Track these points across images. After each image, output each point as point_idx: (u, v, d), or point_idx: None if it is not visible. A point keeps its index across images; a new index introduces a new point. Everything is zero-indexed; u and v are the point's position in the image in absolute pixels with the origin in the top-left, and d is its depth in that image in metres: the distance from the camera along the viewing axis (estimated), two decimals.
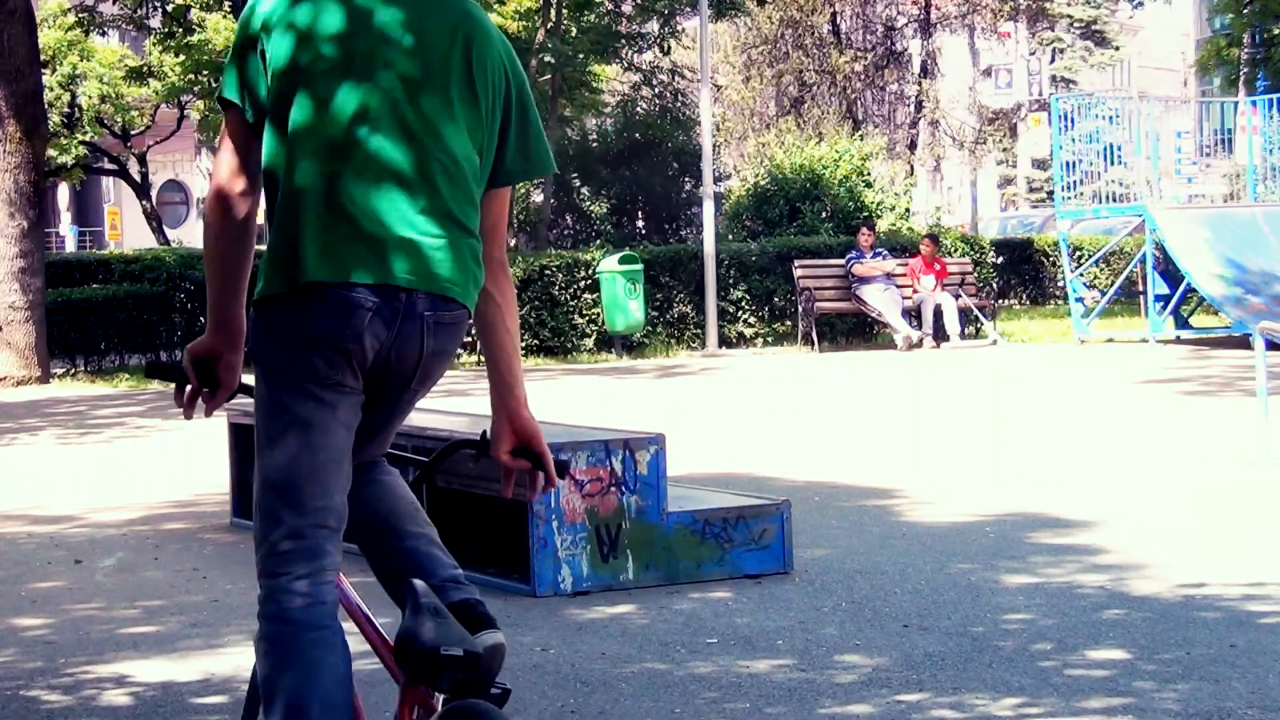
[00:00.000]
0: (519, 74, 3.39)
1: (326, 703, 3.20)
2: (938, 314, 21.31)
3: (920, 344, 20.72)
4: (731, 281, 21.57)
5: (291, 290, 3.15)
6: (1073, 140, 23.27)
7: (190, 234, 38.39)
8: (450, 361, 3.40)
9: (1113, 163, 23.15)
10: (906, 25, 40.76)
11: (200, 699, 5.28)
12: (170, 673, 5.59)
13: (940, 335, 21.20)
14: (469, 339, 20.11)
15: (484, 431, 3.48)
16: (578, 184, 28.04)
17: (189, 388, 3.40)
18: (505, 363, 3.40)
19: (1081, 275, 22.90)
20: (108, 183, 47.15)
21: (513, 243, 25.79)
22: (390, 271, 3.15)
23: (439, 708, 3.33)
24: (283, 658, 3.21)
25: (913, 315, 21.21)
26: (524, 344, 20.33)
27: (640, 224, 27.94)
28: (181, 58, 30.07)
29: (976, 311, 21.75)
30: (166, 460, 11.41)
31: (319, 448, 3.21)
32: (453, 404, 13.94)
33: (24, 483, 10.46)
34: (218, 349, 3.35)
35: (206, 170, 37.76)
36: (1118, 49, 59.47)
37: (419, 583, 3.33)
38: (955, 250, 22.98)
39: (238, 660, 5.74)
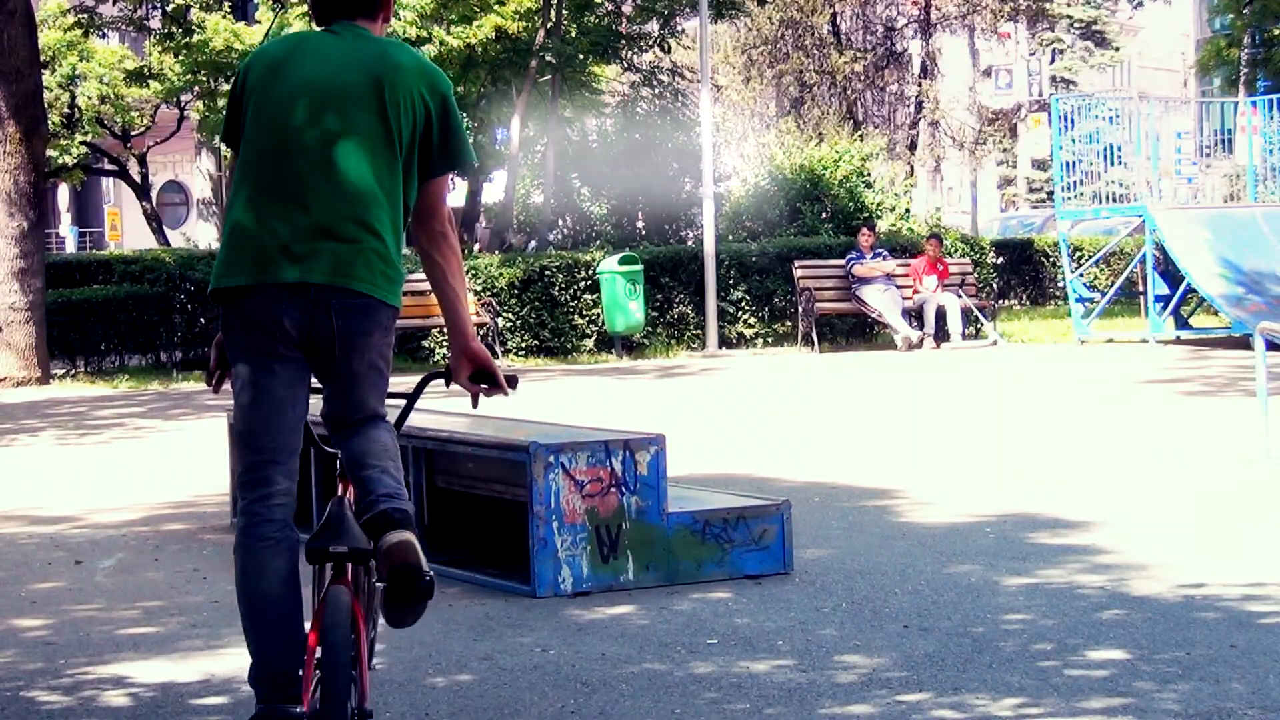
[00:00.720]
0: (439, 91, 4.36)
1: (266, 593, 4.18)
2: (940, 314, 21.32)
3: (920, 344, 20.72)
4: (731, 282, 21.57)
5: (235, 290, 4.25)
6: (1073, 141, 23.27)
7: (191, 234, 38.33)
8: (373, 339, 4.31)
9: (1113, 163, 23.15)
10: (906, 26, 40.78)
11: (200, 700, 5.28)
12: (170, 674, 5.59)
13: (941, 336, 21.20)
14: None
15: (446, 365, 4.61)
16: (578, 184, 28.04)
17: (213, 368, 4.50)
18: (452, 310, 4.45)
19: (1081, 275, 22.90)
20: (108, 183, 47.16)
21: (515, 241, 25.78)
22: (309, 271, 4.17)
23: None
24: (241, 558, 4.23)
25: (913, 316, 21.21)
26: (524, 345, 20.34)
27: (640, 224, 27.94)
28: (181, 58, 30.08)
29: (977, 312, 21.75)
30: (166, 461, 11.41)
31: (263, 403, 4.25)
32: (454, 404, 13.97)
33: (24, 483, 10.46)
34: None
35: (206, 171, 37.76)
36: (1118, 49, 59.46)
37: (334, 500, 4.33)
38: (955, 251, 22.98)
39: (238, 661, 5.73)
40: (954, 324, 21.16)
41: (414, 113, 4.30)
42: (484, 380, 4.64)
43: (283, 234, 4.19)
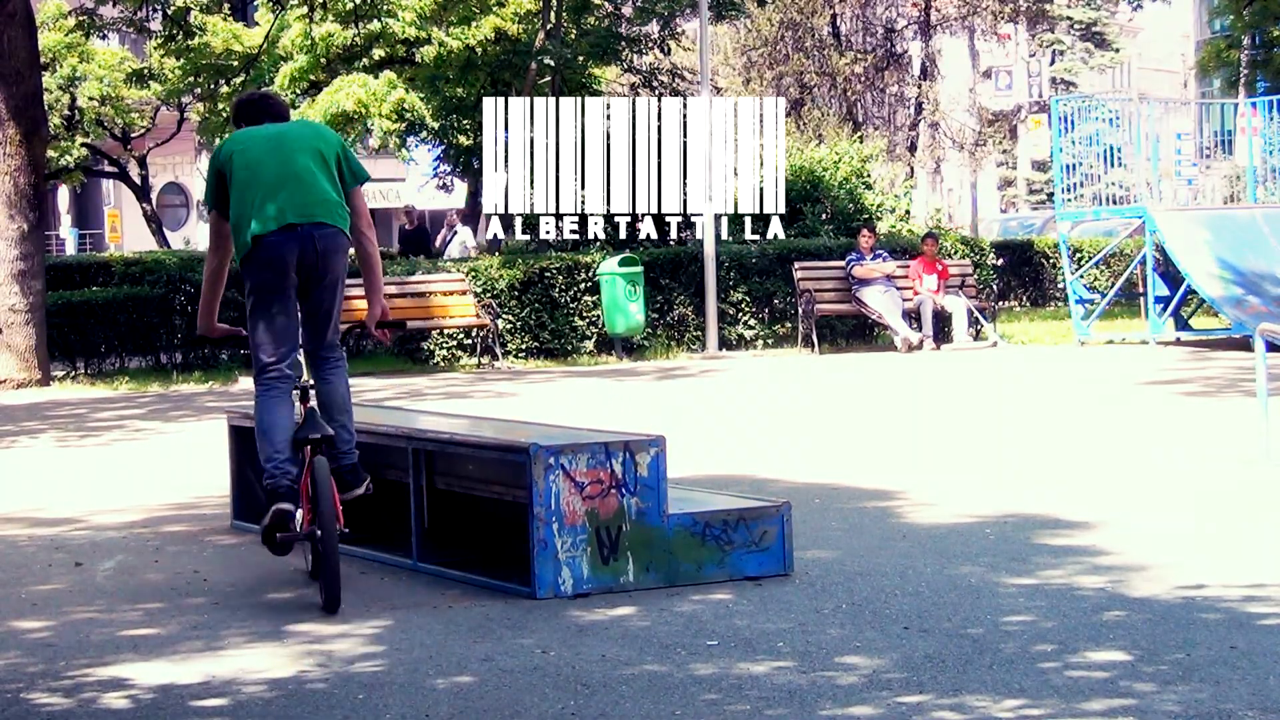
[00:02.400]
0: (342, 144, 7.04)
1: (278, 419, 6.74)
2: (945, 316, 21.31)
3: (920, 346, 20.72)
4: (731, 283, 21.56)
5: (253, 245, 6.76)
6: (1073, 142, 23.26)
7: (192, 236, 38.33)
8: (342, 261, 6.88)
9: (1113, 164, 23.13)
10: (906, 27, 40.77)
11: (200, 701, 5.28)
12: (171, 675, 5.59)
13: (943, 337, 21.20)
14: (469, 342, 20.12)
15: (364, 320, 7.16)
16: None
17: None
18: (368, 277, 7.11)
19: (1081, 277, 22.90)
20: (108, 185, 47.15)
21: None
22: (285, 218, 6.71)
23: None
24: (259, 404, 6.81)
25: (913, 317, 21.21)
26: (524, 346, 20.33)
27: (640, 226, 27.91)
28: (182, 60, 30.09)
29: (977, 313, 21.75)
30: (167, 463, 11.41)
31: (274, 318, 6.79)
32: (453, 406, 13.97)
33: (24, 485, 10.46)
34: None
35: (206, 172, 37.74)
36: (1118, 51, 59.48)
37: (309, 408, 6.90)
38: (955, 252, 22.98)
39: (239, 662, 5.74)
40: (959, 325, 21.15)
41: (333, 156, 6.93)
42: (389, 327, 7.35)
43: (286, 206, 6.77)
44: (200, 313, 7.15)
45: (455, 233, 28.96)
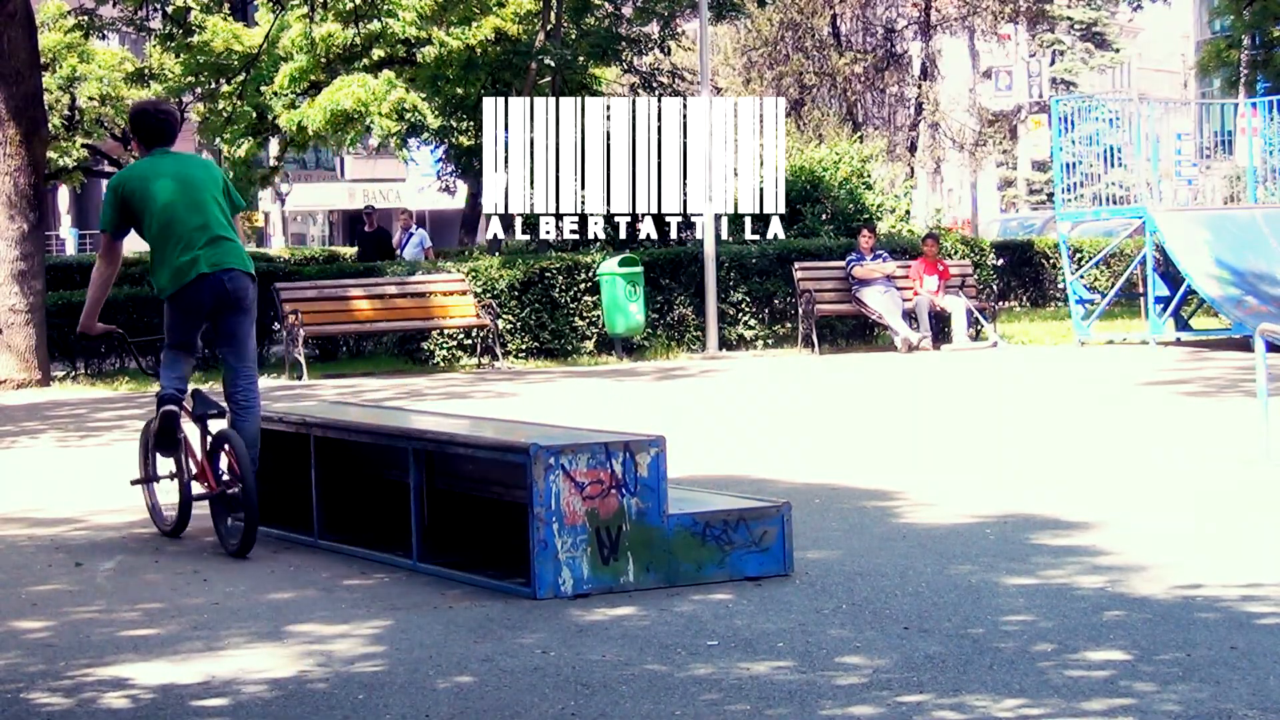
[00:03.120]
0: (223, 175, 8.38)
1: (171, 422, 8.02)
2: (944, 317, 21.31)
3: (920, 346, 20.73)
4: (732, 284, 21.56)
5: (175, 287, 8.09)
6: (1073, 142, 23.26)
7: None
8: (252, 300, 8.22)
9: (1113, 165, 23.13)
10: (907, 27, 40.77)
11: (201, 701, 5.29)
12: (171, 675, 5.60)
13: (940, 337, 21.20)
14: (469, 342, 20.12)
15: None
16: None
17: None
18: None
19: (1082, 277, 22.90)
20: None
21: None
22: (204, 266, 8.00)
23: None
24: (156, 413, 8.12)
25: (912, 317, 21.21)
26: (524, 346, 20.33)
27: (640, 226, 27.91)
28: (182, 60, 30.10)
29: (977, 314, 21.75)
30: (167, 463, 11.39)
31: (181, 346, 8.28)
32: (453, 406, 13.97)
33: (24, 485, 10.46)
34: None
35: None
36: (1118, 51, 59.51)
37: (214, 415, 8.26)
38: (956, 252, 22.98)
39: (239, 662, 5.74)
40: (958, 325, 21.15)
41: (220, 186, 8.24)
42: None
43: (194, 247, 8.06)
44: (85, 313, 8.35)
45: (411, 234, 28.73)
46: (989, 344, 21.26)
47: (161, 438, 8.08)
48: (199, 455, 8.13)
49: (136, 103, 9.36)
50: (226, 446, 7.94)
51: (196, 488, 8.18)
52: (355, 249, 29.67)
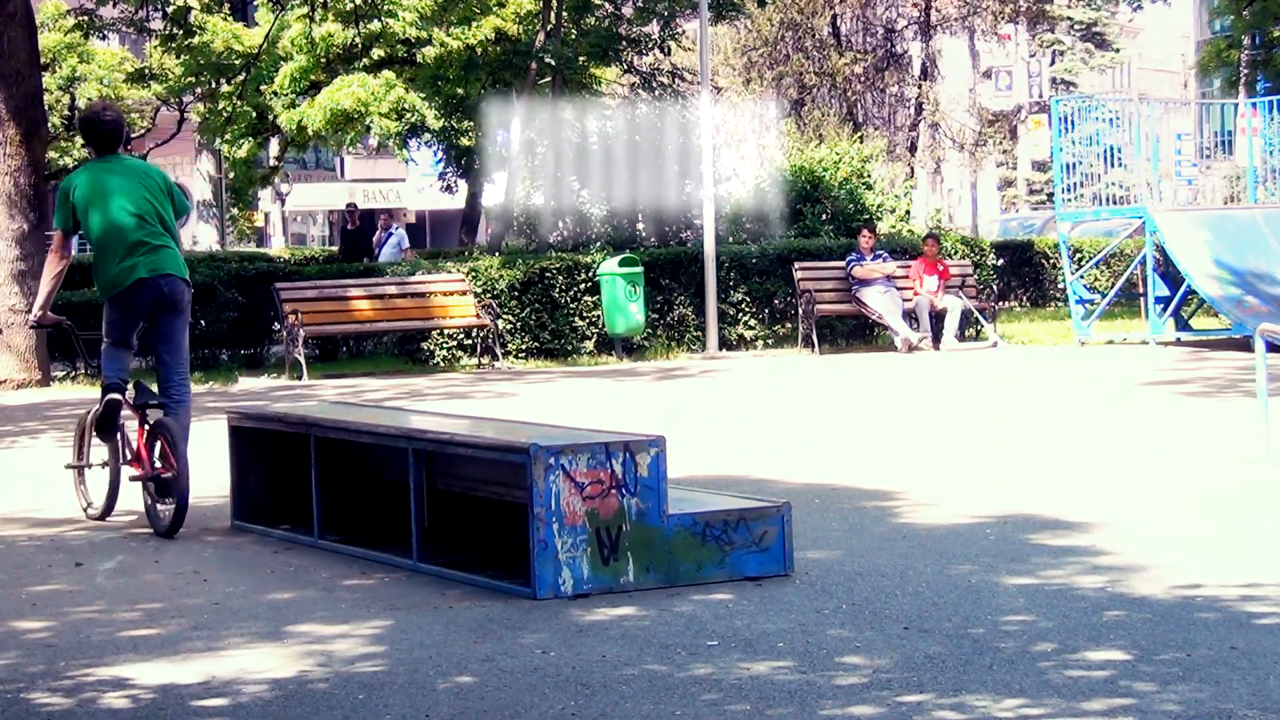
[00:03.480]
0: (170, 181, 8.89)
1: (111, 410, 8.78)
2: (939, 316, 21.31)
3: (920, 346, 20.73)
4: (732, 284, 21.56)
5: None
6: (1073, 142, 23.26)
7: (198, 236, 38.28)
8: (186, 303, 8.83)
9: (1113, 165, 23.14)
10: (907, 27, 40.76)
11: (201, 701, 5.29)
12: (171, 675, 5.60)
13: (940, 337, 21.19)
14: (469, 342, 20.12)
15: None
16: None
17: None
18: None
19: (1082, 277, 22.89)
20: None
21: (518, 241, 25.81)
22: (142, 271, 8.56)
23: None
24: (100, 400, 8.81)
25: (912, 317, 21.22)
26: (524, 347, 20.34)
27: (640, 226, 27.91)
28: (182, 60, 30.09)
29: (977, 314, 21.76)
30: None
31: (120, 343, 8.96)
32: (453, 406, 13.97)
33: (24, 485, 10.46)
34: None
35: (207, 173, 37.77)
36: (1118, 51, 59.48)
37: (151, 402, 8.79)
38: (956, 252, 22.99)
39: (239, 663, 5.74)
40: (950, 325, 21.16)
41: (167, 192, 8.82)
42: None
43: (132, 253, 8.67)
44: (37, 305, 9.14)
45: (390, 234, 28.68)
46: (989, 344, 21.26)
47: (103, 422, 8.79)
48: (135, 442, 8.69)
49: (85, 109, 10.13)
50: (162, 435, 8.53)
51: (131, 471, 8.69)
52: (338, 248, 29.61)
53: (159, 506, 8.54)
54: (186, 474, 8.27)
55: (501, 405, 14.35)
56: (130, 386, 8.81)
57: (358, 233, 29.13)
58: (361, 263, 24.15)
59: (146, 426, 8.64)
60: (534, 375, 18.54)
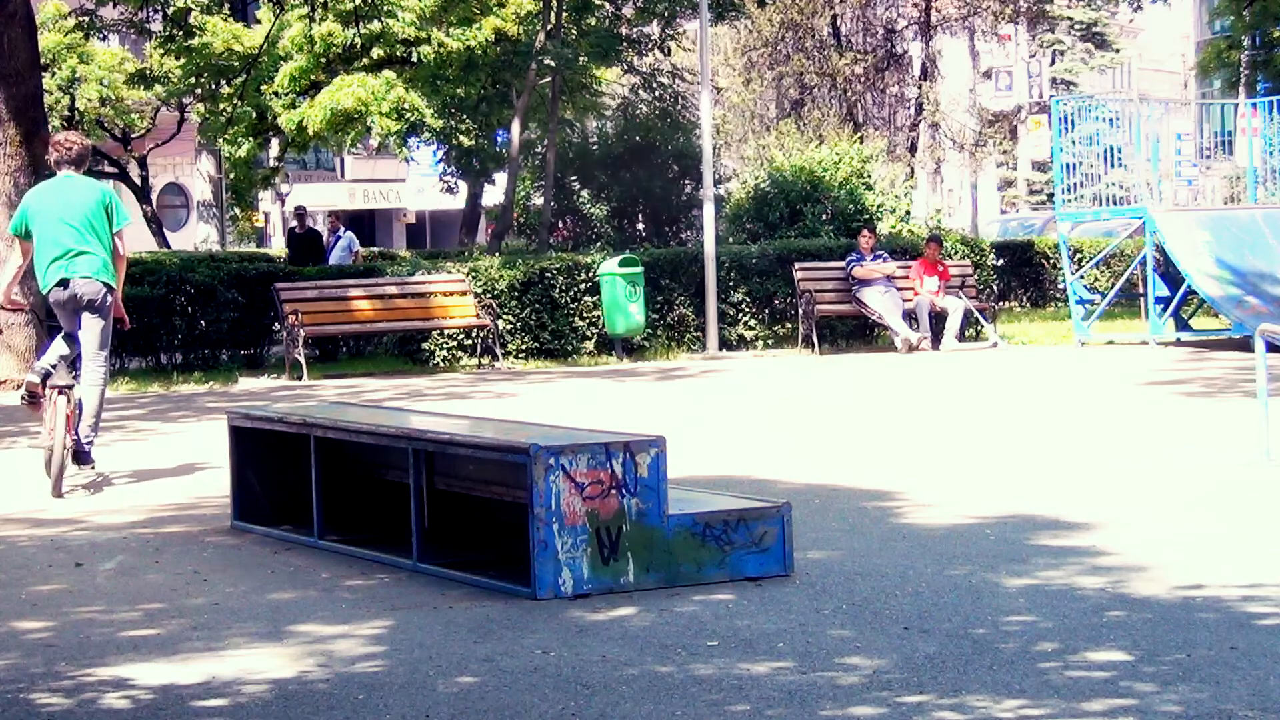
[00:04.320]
0: (107, 199, 10.40)
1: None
2: (939, 316, 21.32)
3: (920, 346, 20.73)
4: (732, 284, 21.57)
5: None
6: (1073, 142, 23.26)
7: (202, 236, 38.24)
8: (101, 301, 10.34)
9: (1113, 165, 23.13)
10: (907, 28, 40.76)
11: (201, 702, 5.29)
12: (171, 675, 5.60)
13: (940, 338, 21.20)
14: (469, 342, 20.12)
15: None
16: (577, 187, 28.04)
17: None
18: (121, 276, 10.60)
19: (1082, 277, 22.89)
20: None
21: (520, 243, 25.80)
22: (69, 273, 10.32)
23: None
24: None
25: (912, 318, 21.22)
26: (524, 347, 20.34)
27: (640, 226, 27.94)
28: (182, 61, 30.09)
29: (978, 314, 21.76)
30: (167, 463, 11.41)
31: (61, 332, 10.45)
32: (453, 406, 13.97)
33: (25, 485, 10.46)
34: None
35: (207, 173, 37.77)
36: (1118, 51, 59.52)
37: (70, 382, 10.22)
38: (956, 253, 22.99)
39: (239, 663, 5.75)
40: (951, 326, 21.17)
41: (102, 209, 10.28)
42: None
43: (60, 261, 10.34)
44: (3, 292, 11.13)
45: (339, 237, 28.24)
46: (989, 344, 21.27)
47: (29, 399, 10.34)
48: (61, 413, 9.97)
49: (60, 133, 11.47)
50: (70, 411, 10.03)
51: (48, 439, 9.94)
52: (286, 253, 28.98)
53: (64, 472, 9.89)
54: (82, 448, 10.05)
55: (501, 405, 14.35)
56: (58, 370, 10.18)
57: (306, 235, 28.38)
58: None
59: (69, 402, 10.03)
60: (534, 375, 18.55)
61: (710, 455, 10.75)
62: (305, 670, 5.63)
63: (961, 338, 21.33)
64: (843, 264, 21.46)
